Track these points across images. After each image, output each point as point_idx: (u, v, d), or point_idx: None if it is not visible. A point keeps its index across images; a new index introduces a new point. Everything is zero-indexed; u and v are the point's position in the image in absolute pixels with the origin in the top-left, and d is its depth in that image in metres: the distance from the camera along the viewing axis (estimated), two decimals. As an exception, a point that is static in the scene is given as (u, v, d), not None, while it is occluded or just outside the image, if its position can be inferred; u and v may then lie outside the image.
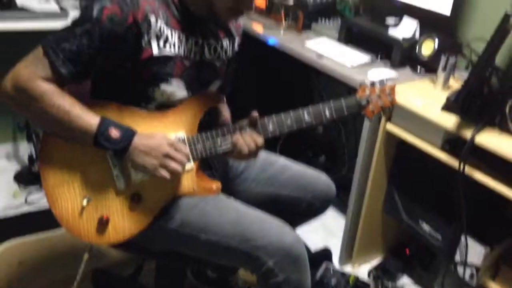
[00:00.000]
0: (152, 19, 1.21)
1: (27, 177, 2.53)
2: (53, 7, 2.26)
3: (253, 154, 1.31)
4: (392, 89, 1.40)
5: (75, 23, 1.19)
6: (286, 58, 2.25)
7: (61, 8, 2.26)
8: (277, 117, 1.32)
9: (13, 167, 2.63)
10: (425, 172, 1.86)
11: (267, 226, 1.32)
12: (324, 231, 2.35)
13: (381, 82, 1.38)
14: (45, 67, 1.16)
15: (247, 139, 1.29)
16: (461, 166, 1.58)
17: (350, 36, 2.25)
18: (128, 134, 1.21)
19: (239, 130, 1.30)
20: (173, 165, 1.22)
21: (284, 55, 2.25)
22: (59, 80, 1.18)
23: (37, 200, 2.39)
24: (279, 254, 1.29)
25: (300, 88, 2.87)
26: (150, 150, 1.21)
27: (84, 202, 1.28)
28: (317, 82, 2.82)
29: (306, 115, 1.32)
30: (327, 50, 2.19)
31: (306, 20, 2.42)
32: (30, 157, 2.57)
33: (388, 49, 2.09)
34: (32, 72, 1.16)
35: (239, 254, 1.29)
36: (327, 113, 1.33)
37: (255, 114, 1.31)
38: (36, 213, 2.30)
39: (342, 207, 2.23)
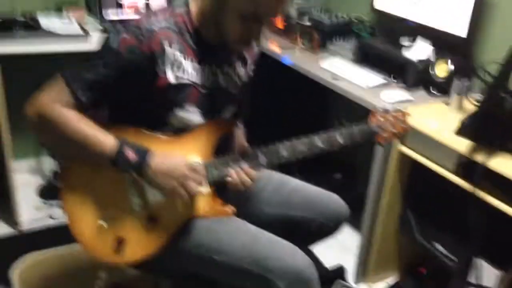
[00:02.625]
0: (168, 48, 1.24)
1: (50, 191, 2.59)
2: (76, 29, 2.32)
3: (247, 186, 1.33)
4: (406, 116, 1.41)
5: (94, 55, 1.23)
6: (301, 77, 2.27)
7: (84, 30, 2.31)
8: (291, 143, 1.34)
9: (36, 181, 2.69)
10: (440, 193, 1.85)
11: (279, 249, 1.33)
12: (339, 247, 2.34)
13: (394, 109, 1.39)
14: (66, 95, 1.21)
15: (240, 174, 1.31)
16: (475, 190, 1.58)
17: (365, 57, 2.27)
18: (146, 155, 1.22)
19: (233, 163, 1.32)
20: (192, 186, 1.23)
21: (300, 75, 2.27)
22: (79, 107, 1.22)
23: (60, 214, 2.41)
24: (291, 277, 1.30)
25: (316, 108, 2.88)
26: (168, 170, 1.23)
27: (101, 223, 1.31)
28: (333, 102, 2.82)
29: (320, 142, 1.34)
30: (342, 71, 2.20)
31: (321, 40, 2.45)
32: (55, 172, 2.63)
33: (402, 70, 2.10)
34: (54, 100, 1.21)
35: (251, 276, 1.31)
36: (341, 140, 1.35)
37: (244, 145, 1.35)
38: (59, 228, 2.35)
39: (357, 224, 2.21)
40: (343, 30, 2.46)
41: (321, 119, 2.87)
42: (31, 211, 2.44)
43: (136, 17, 1.28)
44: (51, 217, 2.41)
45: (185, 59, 1.28)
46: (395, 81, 2.13)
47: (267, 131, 1.85)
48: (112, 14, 2.55)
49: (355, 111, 2.16)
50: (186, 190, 1.23)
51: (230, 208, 1.36)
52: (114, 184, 1.29)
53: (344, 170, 2.73)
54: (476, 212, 1.59)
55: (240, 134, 1.58)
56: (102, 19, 2.50)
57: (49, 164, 2.75)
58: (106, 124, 1.27)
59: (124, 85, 1.23)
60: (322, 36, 2.43)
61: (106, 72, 1.20)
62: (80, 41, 2.25)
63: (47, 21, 2.36)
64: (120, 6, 2.55)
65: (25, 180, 2.68)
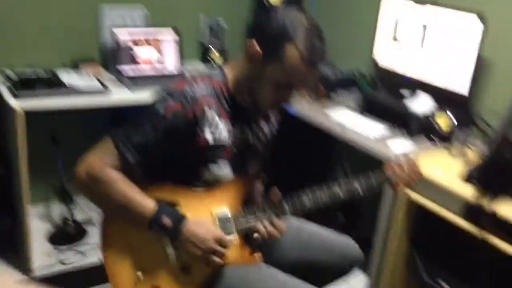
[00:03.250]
0: (208, 112, 1.34)
1: (60, 237, 2.61)
2: (96, 84, 2.39)
3: (274, 239, 1.39)
4: (418, 165, 1.48)
5: (143, 119, 1.30)
6: (308, 127, 2.33)
7: (103, 85, 2.38)
8: (313, 194, 1.41)
9: (46, 227, 2.71)
10: (447, 236, 1.86)
11: None
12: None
13: (408, 160, 1.46)
14: (115, 157, 1.28)
15: (268, 228, 1.37)
16: (481, 233, 1.65)
17: (369, 108, 2.36)
18: (179, 222, 1.30)
19: (260, 214, 1.37)
20: (216, 260, 1.32)
21: (307, 125, 2.33)
22: (126, 168, 1.29)
23: (72, 259, 2.44)
24: None
25: (321, 156, 2.90)
26: (197, 241, 1.31)
27: (139, 274, 1.37)
28: (339, 151, 2.82)
29: (341, 193, 1.41)
30: (349, 121, 2.27)
31: (326, 91, 2.54)
32: (65, 218, 2.65)
33: (405, 121, 2.19)
34: (103, 161, 1.28)
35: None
36: (360, 190, 1.42)
37: (277, 194, 1.40)
38: (71, 273, 2.36)
39: (363, 265, 2.11)
40: (347, 82, 2.57)
41: (325, 166, 2.91)
42: (43, 257, 2.44)
43: (177, 83, 1.36)
44: (62, 263, 2.42)
45: (221, 121, 1.37)
46: (397, 128, 2.21)
47: (281, 177, 1.92)
48: (129, 70, 2.63)
49: (363, 159, 2.19)
50: (209, 262, 1.32)
51: (258, 254, 1.43)
52: (152, 240, 1.36)
53: (346, 212, 2.76)
54: (483, 256, 1.65)
55: (258, 185, 1.63)
56: (119, 74, 2.58)
57: (58, 210, 2.76)
58: (143, 181, 1.33)
59: (169, 145, 1.30)
60: (327, 87, 2.52)
61: (154, 135, 1.28)
62: (101, 96, 2.31)
63: (68, 77, 2.43)
64: (134, 61, 2.64)
65: (35, 227, 2.67)
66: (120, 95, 2.35)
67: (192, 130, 1.32)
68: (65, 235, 2.61)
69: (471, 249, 1.68)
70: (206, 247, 1.30)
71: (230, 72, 1.40)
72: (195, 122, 1.32)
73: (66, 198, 2.59)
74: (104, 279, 1.42)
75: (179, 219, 1.31)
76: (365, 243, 2.02)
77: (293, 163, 2.74)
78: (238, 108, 1.40)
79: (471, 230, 1.70)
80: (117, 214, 1.35)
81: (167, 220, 1.28)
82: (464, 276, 1.83)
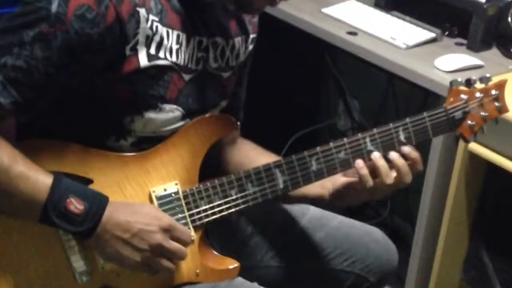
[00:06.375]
0: (143, 14, 1.06)
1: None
2: None
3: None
4: (501, 88, 1.19)
5: (22, 22, 0.99)
6: (296, 36, 1.85)
7: None
8: (322, 150, 1.14)
9: None
10: None
11: None
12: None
13: (484, 79, 1.18)
14: None
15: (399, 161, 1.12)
16: None
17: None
18: (97, 207, 1.03)
19: (232, 189, 1.16)
20: (166, 265, 1.07)
21: (293, 32, 1.87)
22: None
23: None
24: None
25: (317, 84, 2.46)
26: (131, 236, 1.04)
27: None
28: (334, 69, 2.32)
29: (369, 144, 1.15)
30: (360, 20, 1.79)
31: None
32: None
33: (460, 19, 1.69)
34: None
35: None
36: (402, 137, 1.16)
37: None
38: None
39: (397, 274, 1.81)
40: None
41: (313, 97, 2.45)
42: None
43: None
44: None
45: (166, 29, 1.11)
46: (448, 36, 1.74)
47: (262, 122, 1.65)
48: None
49: (378, 86, 1.93)
50: (154, 269, 1.06)
51: (231, 262, 1.17)
52: (47, 239, 1.10)
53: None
54: None
55: (248, 149, 1.33)
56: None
57: None
58: (28, 142, 1.08)
59: (70, 75, 1.03)
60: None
61: (43, 55, 0.99)
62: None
63: None
64: None
65: None
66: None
67: (114, 45, 1.03)
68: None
69: None
70: (149, 242, 1.04)
71: None
72: (119, 31, 1.02)
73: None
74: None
75: (97, 201, 1.03)
76: (392, 233, 1.77)
77: (277, 98, 2.26)
78: (196, 6, 1.14)
79: None
80: None
81: (75, 204, 1.00)
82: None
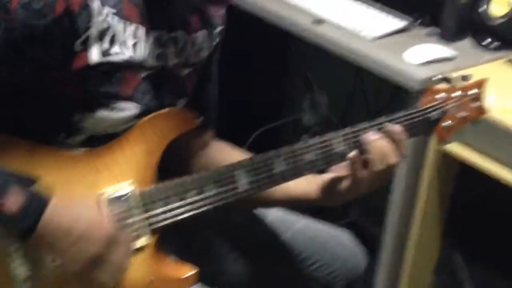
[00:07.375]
0: (97, 5, 0.99)
1: None
2: None
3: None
4: (481, 87, 1.17)
5: None
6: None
7: None
8: (291, 150, 1.13)
9: None
10: (507, 217, 1.53)
11: None
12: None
13: (464, 77, 1.17)
14: None
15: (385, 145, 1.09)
16: None
17: None
18: (38, 205, 0.94)
19: (192, 191, 1.11)
20: (106, 275, 1.00)
21: (260, 24, 1.80)
22: None
23: None
24: None
25: (286, 78, 2.39)
26: (68, 242, 0.96)
27: None
28: (301, 60, 2.28)
29: (341, 143, 1.11)
30: (327, 8, 1.74)
31: None
32: None
33: (432, 6, 1.65)
34: None
35: None
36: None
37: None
38: None
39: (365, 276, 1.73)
40: None
41: (279, 88, 2.36)
42: None
43: None
44: None
45: (122, 22, 1.03)
46: (421, 26, 1.68)
47: (225, 118, 1.51)
48: None
49: (346, 81, 1.92)
50: (97, 279, 0.99)
51: (189, 268, 1.11)
52: None
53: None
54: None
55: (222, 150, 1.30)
56: None
57: None
58: None
59: (13, 69, 0.98)
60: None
61: None
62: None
63: None
64: None
65: None
66: None
67: (62, 39, 0.97)
68: None
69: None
70: (88, 251, 0.97)
71: None
72: (69, 24, 0.96)
73: None
74: None
75: (38, 199, 0.95)
76: (360, 233, 1.64)
77: (238, 91, 2.15)
78: None
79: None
80: None
81: (15, 198, 0.92)
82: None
